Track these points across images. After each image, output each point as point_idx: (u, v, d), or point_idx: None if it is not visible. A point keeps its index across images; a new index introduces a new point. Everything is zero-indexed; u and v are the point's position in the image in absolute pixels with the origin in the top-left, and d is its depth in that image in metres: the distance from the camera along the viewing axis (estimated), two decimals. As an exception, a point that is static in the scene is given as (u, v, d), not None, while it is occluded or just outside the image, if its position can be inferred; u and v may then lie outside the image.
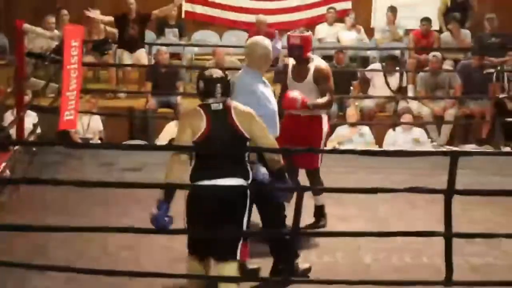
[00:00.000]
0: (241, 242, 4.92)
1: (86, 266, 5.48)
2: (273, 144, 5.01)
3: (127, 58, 11.23)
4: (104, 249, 6.02)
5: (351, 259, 6.00)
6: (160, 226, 4.79)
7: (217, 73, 4.96)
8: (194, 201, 4.86)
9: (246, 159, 4.95)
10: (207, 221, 4.84)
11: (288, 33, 6.55)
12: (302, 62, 6.37)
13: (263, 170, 5.11)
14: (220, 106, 4.90)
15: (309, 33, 6.50)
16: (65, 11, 11.71)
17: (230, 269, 4.90)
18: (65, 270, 5.34)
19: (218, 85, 4.90)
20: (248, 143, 4.91)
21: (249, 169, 4.94)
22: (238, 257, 4.91)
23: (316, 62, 6.45)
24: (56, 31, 11.33)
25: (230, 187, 4.83)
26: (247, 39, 11.33)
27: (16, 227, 5.64)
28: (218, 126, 4.84)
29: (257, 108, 5.06)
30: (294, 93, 6.20)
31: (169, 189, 4.80)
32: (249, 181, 4.92)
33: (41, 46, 11.14)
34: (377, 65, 11.33)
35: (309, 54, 6.47)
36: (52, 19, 11.43)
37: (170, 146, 5.03)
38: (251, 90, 5.46)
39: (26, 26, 9.67)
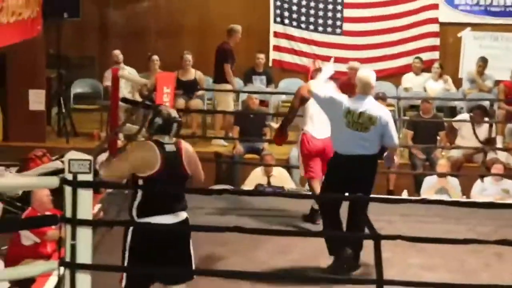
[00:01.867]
0: None
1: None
2: (201, 181, 5.37)
3: (223, 95, 11.44)
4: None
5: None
6: None
7: (174, 113, 5.25)
8: (146, 235, 5.13)
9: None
10: (159, 251, 5.12)
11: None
12: None
13: None
14: (173, 148, 5.15)
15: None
16: (156, 57, 12.04)
17: None
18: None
19: (175, 125, 5.18)
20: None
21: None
22: None
23: None
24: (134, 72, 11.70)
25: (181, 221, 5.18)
26: (338, 86, 11.51)
27: (109, 267, 5.79)
28: (170, 168, 5.10)
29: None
30: None
31: None
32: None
33: (128, 90, 11.56)
34: (465, 115, 11.26)
35: None
36: (117, 52, 11.88)
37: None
38: (388, 112, 6.64)
39: (121, 73, 10.02)
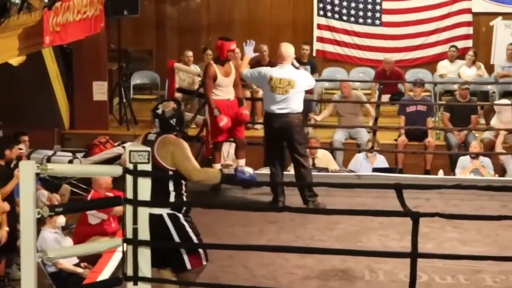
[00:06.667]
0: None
1: (229, 281, 5.65)
2: (190, 171, 5.00)
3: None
4: (245, 266, 6.16)
5: (472, 281, 5.92)
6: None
7: (163, 107, 5.15)
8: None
9: (171, 188, 5.07)
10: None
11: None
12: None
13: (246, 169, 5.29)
14: (153, 137, 5.09)
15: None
16: (209, 51, 12.07)
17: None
18: (210, 286, 5.45)
19: (156, 120, 5.12)
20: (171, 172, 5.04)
21: (172, 197, 5.06)
22: None
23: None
24: (197, 67, 11.73)
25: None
26: (374, 76, 11.57)
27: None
28: None
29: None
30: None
31: None
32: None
33: (184, 79, 11.58)
34: (505, 101, 11.08)
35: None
36: (190, 53, 11.84)
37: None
38: (303, 76, 7.44)
39: (177, 64, 10.07)
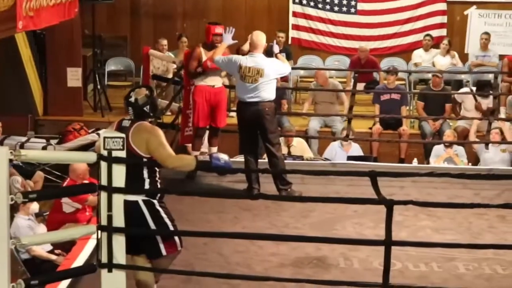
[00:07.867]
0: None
1: (203, 268, 5.66)
2: (164, 157, 4.98)
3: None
4: (219, 253, 6.17)
5: (445, 268, 5.98)
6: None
7: (136, 95, 5.11)
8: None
9: (145, 175, 5.05)
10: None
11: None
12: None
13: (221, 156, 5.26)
14: (127, 124, 5.06)
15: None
16: (184, 38, 12.05)
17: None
18: (185, 273, 5.43)
19: (130, 108, 5.09)
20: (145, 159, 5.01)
21: (146, 183, 5.04)
22: None
23: None
24: (171, 54, 11.70)
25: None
26: (350, 64, 11.54)
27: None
28: None
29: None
30: None
31: None
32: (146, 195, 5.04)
33: (158, 67, 11.53)
34: (467, 89, 11.19)
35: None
36: (164, 42, 11.81)
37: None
38: (273, 65, 7.35)
39: (152, 51, 10.01)
